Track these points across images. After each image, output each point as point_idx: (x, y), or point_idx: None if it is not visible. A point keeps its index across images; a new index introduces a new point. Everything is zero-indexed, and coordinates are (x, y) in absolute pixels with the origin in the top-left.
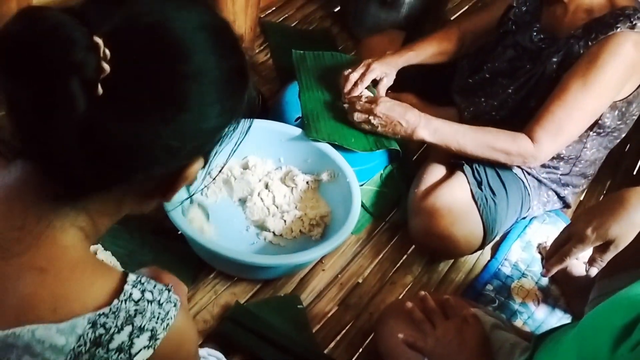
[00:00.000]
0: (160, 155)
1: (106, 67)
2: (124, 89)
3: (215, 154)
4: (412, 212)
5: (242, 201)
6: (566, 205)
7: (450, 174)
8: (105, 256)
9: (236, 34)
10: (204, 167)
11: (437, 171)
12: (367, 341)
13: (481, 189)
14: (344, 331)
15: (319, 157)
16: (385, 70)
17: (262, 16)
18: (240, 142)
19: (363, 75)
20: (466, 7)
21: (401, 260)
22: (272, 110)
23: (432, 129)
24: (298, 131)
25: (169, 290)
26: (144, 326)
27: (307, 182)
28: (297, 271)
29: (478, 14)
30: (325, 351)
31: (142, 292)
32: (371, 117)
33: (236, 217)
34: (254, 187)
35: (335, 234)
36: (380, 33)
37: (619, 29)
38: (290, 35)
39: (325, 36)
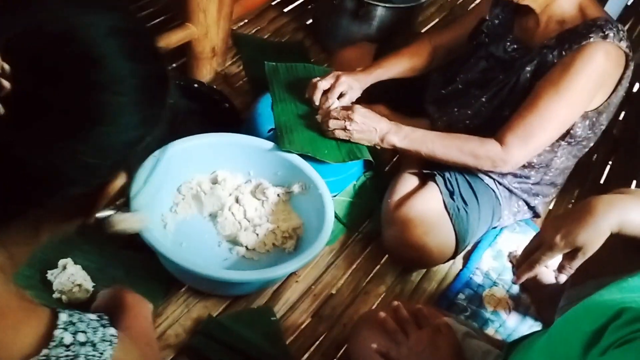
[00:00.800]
0: (78, 175)
1: (6, 83)
2: (29, 106)
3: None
4: (386, 223)
5: (213, 216)
6: (536, 214)
7: (422, 184)
8: (75, 270)
9: (153, 38)
10: (128, 181)
11: (409, 181)
12: (340, 352)
13: (453, 199)
14: (317, 342)
15: (289, 169)
16: (352, 85)
17: (234, 28)
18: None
19: (332, 86)
20: (437, 19)
21: (374, 271)
22: (245, 122)
23: (402, 135)
24: (267, 144)
25: (104, 326)
26: None
27: (278, 195)
28: (270, 285)
29: (449, 27)
30: None
31: (74, 334)
32: (347, 124)
33: (207, 233)
34: (224, 202)
35: (308, 246)
36: (353, 45)
37: (591, 39)
38: (263, 48)
39: (298, 48)
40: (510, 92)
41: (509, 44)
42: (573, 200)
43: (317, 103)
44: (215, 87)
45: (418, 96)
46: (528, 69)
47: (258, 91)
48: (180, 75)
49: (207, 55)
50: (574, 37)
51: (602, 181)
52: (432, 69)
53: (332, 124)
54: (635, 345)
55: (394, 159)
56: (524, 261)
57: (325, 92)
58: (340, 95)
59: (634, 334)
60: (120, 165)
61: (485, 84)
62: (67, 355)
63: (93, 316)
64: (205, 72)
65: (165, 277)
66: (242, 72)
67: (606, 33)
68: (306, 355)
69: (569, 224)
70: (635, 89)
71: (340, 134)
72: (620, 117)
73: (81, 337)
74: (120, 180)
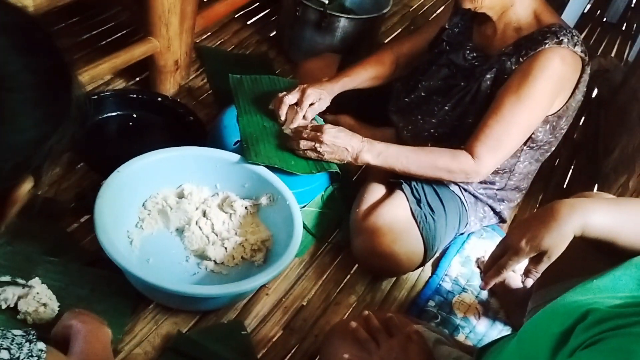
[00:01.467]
0: None
1: None
2: None
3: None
4: (354, 232)
5: (180, 231)
6: (502, 220)
7: (389, 193)
8: (41, 289)
9: (48, 31)
10: (35, 186)
11: (377, 191)
12: None
13: (420, 207)
14: (289, 355)
15: (256, 181)
16: (320, 95)
17: (197, 41)
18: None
19: (300, 100)
20: (399, 30)
21: (345, 280)
22: (210, 135)
23: (375, 152)
24: (233, 156)
25: (31, 342)
26: None
27: (246, 207)
28: (240, 299)
29: (410, 37)
30: None
31: None
32: (317, 145)
33: (174, 248)
34: (191, 216)
35: (278, 258)
36: (317, 56)
37: (547, 45)
38: (227, 60)
39: (262, 60)
40: (472, 100)
41: (468, 51)
42: (537, 205)
43: (282, 118)
44: (179, 100)
45: (383, 106)
46: (488, 76)
47: (223, 104)
48: (144, 88)
49: (170, 68)
50: (530, 43)
51: (565, 185)
52: (394, 79)
53: (303, 144)
54: (601, 346)
55: (361, 169)
56: (491, 266)
57: (292, 106)
58: (311, 105)
59: (600, 335)
60: (23, 167)
61: (447, 92)
62: None
63: (18, 332)
64: (169, 86)
65: (132, 294)
66: (206, 85)
67: (560, 39)
68: None
69: (533, 229)
70: (594, 95)
71: (311, 154)
72: (581, 122)
73: (4, 355)
74: (27, 185)
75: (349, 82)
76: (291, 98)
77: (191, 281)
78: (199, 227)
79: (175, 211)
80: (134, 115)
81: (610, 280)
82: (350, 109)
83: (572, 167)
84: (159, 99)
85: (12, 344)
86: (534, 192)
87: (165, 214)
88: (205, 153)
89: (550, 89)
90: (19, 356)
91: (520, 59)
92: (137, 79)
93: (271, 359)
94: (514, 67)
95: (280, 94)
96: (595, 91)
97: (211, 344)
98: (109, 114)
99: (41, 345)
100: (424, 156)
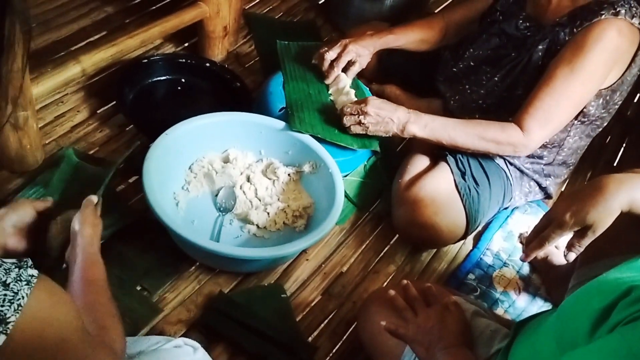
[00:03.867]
0: None
1: None
2: None
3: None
4: (396, 202)
5: None
6: (548, 195)
7: (433, 164)
8: None
9: None
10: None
11: (420, 162)
12: (350, 330)
13: (464, 179)
14: (327, 320)
15: (300, 148)
16: (360, 52)
17: (246, 8)
18: None
19: (339, 55)
20: None
21: (384, 250)
22: (256, 101)
23: (422, 124)
24: (278, 123)
25: (20, 267)
26: None
27: (289, 174)
28: (281, 263)
29: (462, 5)
30: (309, 340)
31: None
32: (362, 118)
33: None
34: (235, 180)
35: (318, 225)
36: (365, 24)
37: (603, 16)
38: (275, 27)
39: (310, 28)
40: (523, 71)
41: (521, 21)
42: (585, 182)
43: (325, 72)
44: (226, 66)
45: (430, 76)
46: (540, 47)
47: (269, 70)
48: (192, 54)
49: (218, 34)
50: (585, 14)
51: (615, 163)
52: (442, 46)
53: (347, 120)
54: None
55: (405, 140)
56: (534, 238)
57: (333, 62)
58: (351, 64)
59: None
60: None
61: (497, 62)
62: None
63: (11, 260)
64: (217, 51)
65: (176, 254)
66: (254, 52)
67: (617, 10)
68: (316, 332)
69: (579, 202)
70: None
71: (356, 129)
72: (635, 99)
73: None
74: None
75: (393, 40)
76: (332, 54)
77: (234, 244)
78: (243, 191)
79: (220, 175)
80: (182, 80)
81: None
82: (396, 79)
83: (624, 144)
84: (207, 64)
85: None
86: (582, 169)
87: (210, 178)
88: (251, 119)
89: (604, 61)
90: (5, 280)
91: (575, 30)
92: (186, 44)
93: (309, 322)
94: (567, 38)
95: (322, 49)
96: None
97: (251, 305)
98: (158, 78)
99: (32, 271)
100: (472, 128)
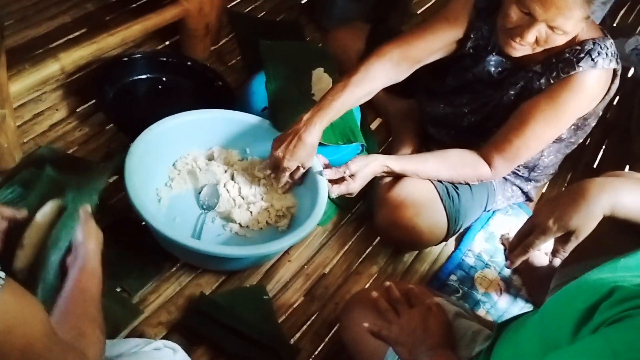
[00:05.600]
0: None
1: None
2: None
3: None
4: (378, 204)
5: None
6: (529, 198)
7: None
8: None
9: None
10: None
11: None
12: (332, 331)
13: (442, 182)
14: (309, 321)
15: None
16: (302, 159)
17: (229, 6)
18: None
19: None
20: (433, 1)
21: (367, 252)
22: (238, 100)
23: (398, 167)
24: (264, 122)
25: None
26: None
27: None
28: (263, 262)
29: (421, 37)
30: (291, 341)
31: None
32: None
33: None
34: (219, 178)
35: (301, 225)
36: (347, 25)
37: (580, 69)
38: (258, 26)
39: (293, 27)
40: (495, 109)
41: (494, 63)
42: (566, 184)
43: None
44: (208, 64)
45: (412, 76)
46: (512, 92)
47: (252, 69)
48: (174, 52)
49: (200, 32)
50: (562, 64)
51: (595, 165)
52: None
53: (335, 193)
54: (626, 323)
55: (387, 142)
56: (518, 245)
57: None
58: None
59: (625, 312)
60: None
61: (472, 94)
62: None
63: None
64: (199, 50)
65: (158, 254)
66: (236, 50)
67: (595, 60)
68: (298, 334)
69: (561, 208)
70: (630, 74)
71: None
72: (615, 102)
73: None
74: None
75: (336, 114)
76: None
77: (216, 242)
78: (227, 189)
79: (204, 172)
80: (164, 79)
81: (637, 259)
82: None
83: (604, 146)
84: (189, 63)
85: None
86: (562, 171)
87: (194, 175)
88: (237, 117)
89: (580, 110)
90: None
91: (551, 80)
92: (168, 42)
93: (292, 324)
94: (543, 87)
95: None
96: (632, 70)
97: (233, 306)
98: (139, 77)
99: (0, 273)
100: (445, 171)
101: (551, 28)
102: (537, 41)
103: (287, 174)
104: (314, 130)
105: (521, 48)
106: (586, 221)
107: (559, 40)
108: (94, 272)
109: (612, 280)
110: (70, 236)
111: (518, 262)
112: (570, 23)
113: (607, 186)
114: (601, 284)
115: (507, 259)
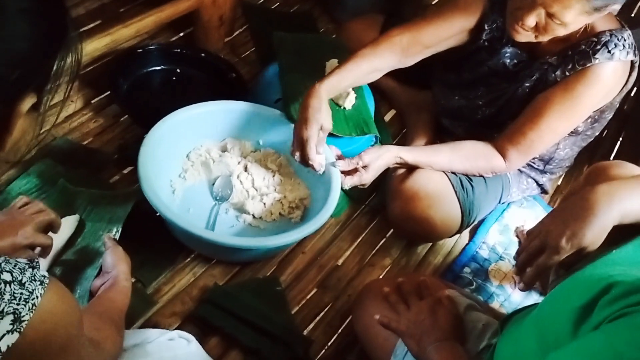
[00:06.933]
0: None
1: None
2: None
3: (51, 94)
4: (391, 196)
5: None
6: (544, 191)
7: None
8: None
9: None
10: (38, 106)
11: None
12: (345, 323)
13: (456, 173)
14: (322, 313)
15: None
16: (321, 120)
17: None
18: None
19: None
20: None
21: (380, 243)
22: (251, 92)
23: (411, 158)
24: (277, 113)
25: (34, 268)
26: (4, 309)
27: (287, 165)
28: (276, 254)
29: (433, 23)
30: (304, 332)
31: None
32: (363, 181)
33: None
34: (232, 170)
35: (314, 216)
36: (360, 17)
37: (597, 61)
38: (271, 17)
39: (306, 19)
40: (509, 101)
41: (509, 55)
42: (573, 188)
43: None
44: (222, 56)
45: (426, 68)
46: (527, 84)
47: (265, 61)
48: (187, 44)
49: (214, 24)
50: (578, 56)
51: (611, 157)
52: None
53: (348, 184)
54: (629, 320)
55: (402, 133)
56: (527, 263)
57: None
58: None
59: (627, 308)
60: (26, 80)
61: (487, 87)
62: None
63: (23, 260)
64: (213, 42)
65: (172, 245)
66: (250, 42)
67: (612, 52)
68: (311, 325)
69: (572, 226)
70: None
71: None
72: (632, 94)
73: (6, 276)
74: (29, 101)
75: (337, 82)
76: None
77: (229, 233)
78: (240, 181)
79: (217, 164)
80: (177, 70)
81: (630, 251)
82: (391, 70)
83: (620, 138)
84: (203, 54)
85: (14, 268)
86: (578, 163)
87: (207, 166)
88: (250, 109)
89: (595, 103)
90: (21, 279)
91: (567, 73)
92: (182, 34)
93: (305, 315)
94: (558, 80)
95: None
96: None
97: (246, 297)
98: (153, 68)
99: (44, 272)
100: (458, 162)
101: (550, 16)
102: (537, 28)
103: (313, 145)
104: (317, 93)
105: (524, 33)
106: (599, 235)
107: (559, 31)
108: (124, 290)
109: (607, 275)
110: (99, 261)
111: (532, 285)
112: (568, 14)
113: (615, 195)
114: (596, 279)
115: (519, 280)
